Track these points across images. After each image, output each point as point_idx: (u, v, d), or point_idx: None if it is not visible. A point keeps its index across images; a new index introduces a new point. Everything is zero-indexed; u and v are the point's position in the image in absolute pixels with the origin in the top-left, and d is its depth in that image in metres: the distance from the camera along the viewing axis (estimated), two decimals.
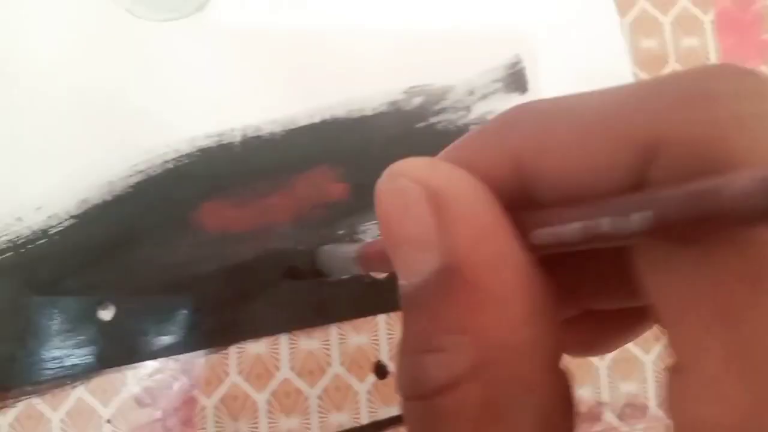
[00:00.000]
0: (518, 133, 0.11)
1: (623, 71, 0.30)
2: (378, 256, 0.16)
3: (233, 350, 0.27)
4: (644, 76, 0.31)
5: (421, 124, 0.30)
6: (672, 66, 0.31)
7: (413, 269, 0.11)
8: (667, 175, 0.10)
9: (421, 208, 0.11)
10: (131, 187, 0.28)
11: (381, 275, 0.28)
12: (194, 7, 0.30)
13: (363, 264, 0.18)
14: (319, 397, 0.28)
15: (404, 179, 0.11)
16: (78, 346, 0.27)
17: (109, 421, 0.26)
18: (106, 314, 0.27)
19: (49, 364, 0.27)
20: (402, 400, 0.11)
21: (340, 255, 0.21)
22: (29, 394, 0.26)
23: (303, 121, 0.29)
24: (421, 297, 0.11)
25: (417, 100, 0.30)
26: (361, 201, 0.29)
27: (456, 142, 0.13)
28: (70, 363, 0.27)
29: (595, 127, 0.10)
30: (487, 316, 0.10)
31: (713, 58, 0.31)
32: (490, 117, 0.30)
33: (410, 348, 0.11)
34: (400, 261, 0.11)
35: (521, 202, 0.11)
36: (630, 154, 0.10)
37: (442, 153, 0.13)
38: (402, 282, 0.11)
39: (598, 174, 0.10)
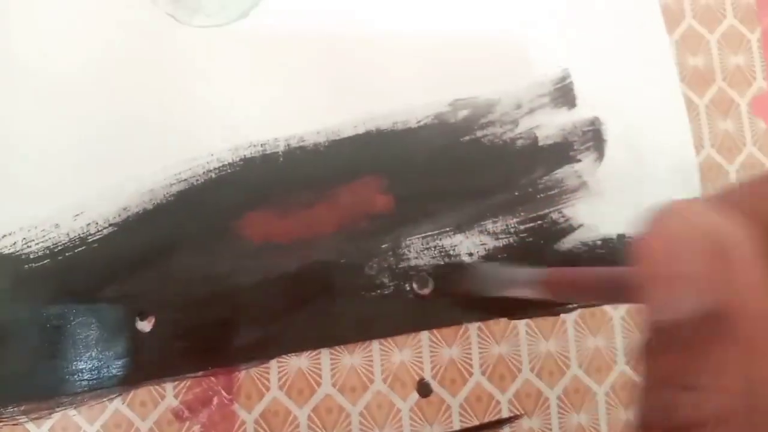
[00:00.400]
0: None
1: (672, 89, 0.30)
2: (571, 285, 0.18)
3: (274, 364, 0.27)
4: (692, 94, 0.31)
5: (467, 138, 0.29)
6: (719, 84, 0.31)
7: (677, 306, 0.11)
8: None
9: (699, 246, 0.11)
10: (173, 195, 0.27)
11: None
12: (238, 13, 0.29)
13: (552, 288, 0.19)
14: (361, 415, 0.27)
15: (680, 219, 0.11)
16: (115, 357, 0.26)
17: None
18: (145, 325, 0.26)
19: (86, 375, 0.26)
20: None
21: (514, 275, 0.22)
22: (65, 405, 0.26)
23: (347, 132, 0.29)
24: (683, 334, 0.11)
25: (462, 113, 0.29)
26: (405, 214, 0.28)
27: (724, 193, 0.13)
28: (107, 374, 0.26)
29: None
30: (754, 368, 0.10)
31: (759, 77, 0.31)
32: (537, 132, 0.30)
33: (663, 381, 0.11)
34: (662, 296, 0.11)
35: None
36: None
37: (710, 196, 0.13)
38: (657, 317, 0.11)
39: None
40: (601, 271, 0.19)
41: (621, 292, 0.17)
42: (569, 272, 0.19)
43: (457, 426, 0.28)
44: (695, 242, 0.11)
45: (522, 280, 0.20)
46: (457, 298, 0.28)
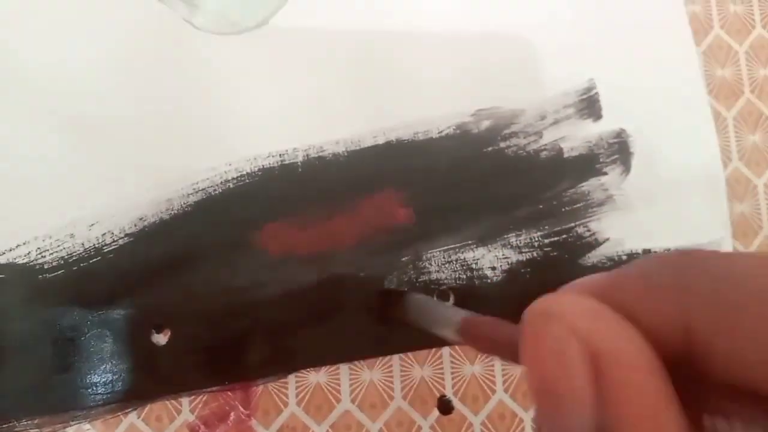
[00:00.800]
0: (693, 300, 0.10)
1: (700, 101, 0.29)
2: (487, 342, 0.16)
3: (292, 379, 0.26)
4: (719, 106, 0.30)
5: (490, 149, 0.29)
6: (747, 97, 0.30)
7: (560, 422, 0.10)
8: None
9: (579, 368, 0.10)
10: (190, 206, 0.27)
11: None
12: (257, 21, 0.29)
13: (466, 338, 0.17)
14: None
15: (561, 327, 0.10)
16: (131, 370, 0.26)
17: None
18: (161, 338, 0.26)
19: (100, 389, 0.26)
20: None
21: (437, 314, 0.20)
22: (79, 419, 0.25)
23: (367, 143, 0.28)
24: None
25: (485, 124, 0.29)
26: (426, 226, 0.28)
27: (611, 277, 0.12)
28: (121, 388, 0.26)
29: None
30: None
31: None
32: (562, 143, 0.29)
33: None
34: (546, 407, 0.11)
35: (683, 367, 0.10)
36: None
37: (595, 282, 0.12)
38: (541, 423, 0.11)
39: None
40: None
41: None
42: (487, 324, 0.16)
43: None
44: (574, 354, 0.10)
45: (450, 325, 0.18)
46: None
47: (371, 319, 0.27)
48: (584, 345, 0.10)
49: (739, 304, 0.10)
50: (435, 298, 0.25)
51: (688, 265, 0.11)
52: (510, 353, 0.15)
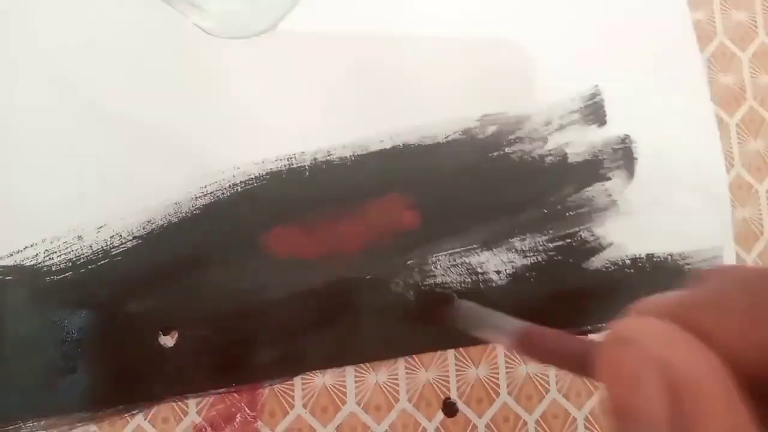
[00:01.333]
0: None
1: (703, 107, 0.30)
2: (548, 354, 0.17)
3: (298, 381, 0.26)
4: (722, 113, 0.30)
5: (495, 154, 0.29)
6: (750, 103, 0.31)
7: None
8: None
9: (656, 396, 0.10)
10: (198, 209, 0.27)
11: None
12: (266, 25, 0.29)
13: (525, 348, 0.18)
14: None
15: (639, 354, 0.11)
16: (138, 372, 0.26)
17: None
18: (168, 340, 0.26)
19: (107, 390, 0.26)
20: None
21: (493, 322, 0.21)
22: (85, 421, 0.25)
23: (374, 147, 0.28)
24: None
25: (491, 129, 0.29)
26: (432, 230, 0.28)
27: (683, 297, 0.12)
28: (128, 390, 0.26)
29: None
30: None
31: None
32: (567, 149, 0.29)
33: None
34: (623, 427, 0.11)
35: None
36: None
37: (668, 303, 0.12)
38: None
39: None
40: (582, 344, 0.17)
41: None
42: (549, 336, 0.17)
43: None
44: (651, 382, 0.10)
45: (502, 331, 0.19)
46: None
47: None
48: (662, 372, 0.10)
49: None
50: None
51: (761, 283, 0.11)
52: (572, 366, 0.16)
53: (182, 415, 0.26)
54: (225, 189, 0.27)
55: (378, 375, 0.27)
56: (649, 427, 0.10)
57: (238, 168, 0.27)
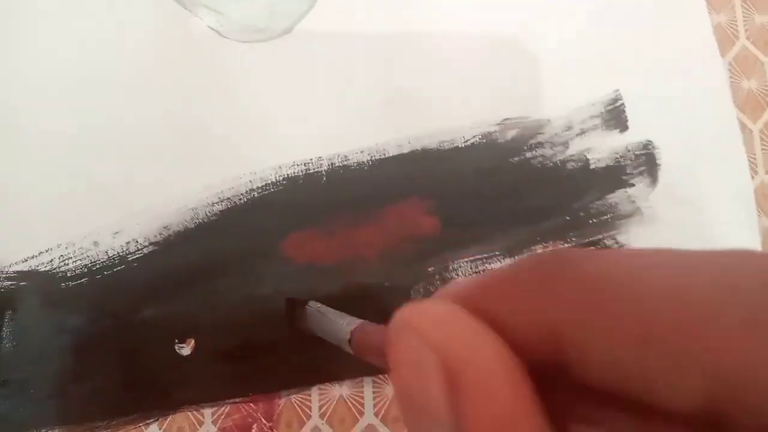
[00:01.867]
0: (560, 306, 0.10)
1: (726, 112, 0.29)
2: (377, 353, 0.14)
3: (315, 391, 0.26)
4: (745, 118, 0.30)
5: (516, 159, 0.28)
6: None
7: None
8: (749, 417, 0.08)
9: (434, 378, 0.10)
10: (215, 215, 0.27)
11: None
12: (282, 29, 0.29)
13: (357, 350, 0.16)
14: None
15: (416, 336, 0.10)
16: (154, 380, 0.25)
17: None
18: (185, 348, 0.26)
19: (121, 399, 0.25)
20: None
21: (332, 326, 0.19)
22: (100, 430, 0.25)
23: (392, 151, 0.28)
24: None
25: (511, 133, 0.29)
26: (452, 236, 0.27)
27: (482, 279, 0.11)
28: (143, 398, 0.25)
29: (655, 334, 0.09)
30: None
31: None
32: (588, 154, 0.29)
33: None
34: (409, 417, 0.11)
35: (555, 373, 0.10)
36: (700, 381, 0.08)
37: (466, 286, 0.11)
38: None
39: (656, 387, 0.09)
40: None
41: None
42: (373, 333, 0.15)
43: None
44: (429, 366, 0.10)
45: (343, 336, 0.16)
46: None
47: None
48: (438, 354, 0.10)
49: (605, 303, 0.09)
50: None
51: (556, 266, 0.10)
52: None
53: (198, 425, 0.25)
54: (242, 195, 0.27)
55: None
56: (430, 411, 0.10)
57: (255, 174, 0.27)
